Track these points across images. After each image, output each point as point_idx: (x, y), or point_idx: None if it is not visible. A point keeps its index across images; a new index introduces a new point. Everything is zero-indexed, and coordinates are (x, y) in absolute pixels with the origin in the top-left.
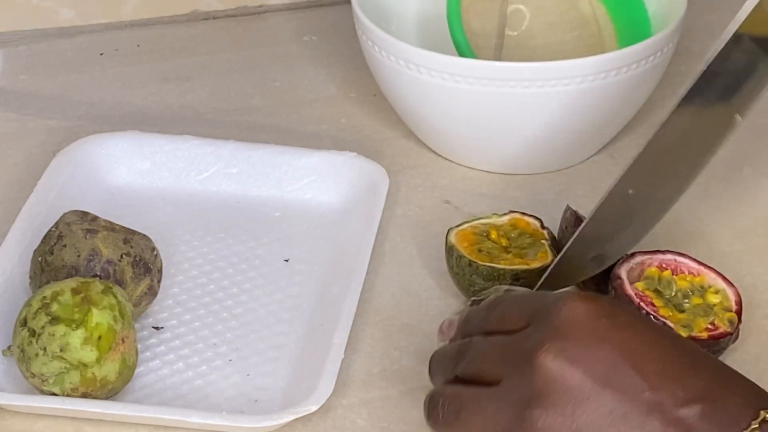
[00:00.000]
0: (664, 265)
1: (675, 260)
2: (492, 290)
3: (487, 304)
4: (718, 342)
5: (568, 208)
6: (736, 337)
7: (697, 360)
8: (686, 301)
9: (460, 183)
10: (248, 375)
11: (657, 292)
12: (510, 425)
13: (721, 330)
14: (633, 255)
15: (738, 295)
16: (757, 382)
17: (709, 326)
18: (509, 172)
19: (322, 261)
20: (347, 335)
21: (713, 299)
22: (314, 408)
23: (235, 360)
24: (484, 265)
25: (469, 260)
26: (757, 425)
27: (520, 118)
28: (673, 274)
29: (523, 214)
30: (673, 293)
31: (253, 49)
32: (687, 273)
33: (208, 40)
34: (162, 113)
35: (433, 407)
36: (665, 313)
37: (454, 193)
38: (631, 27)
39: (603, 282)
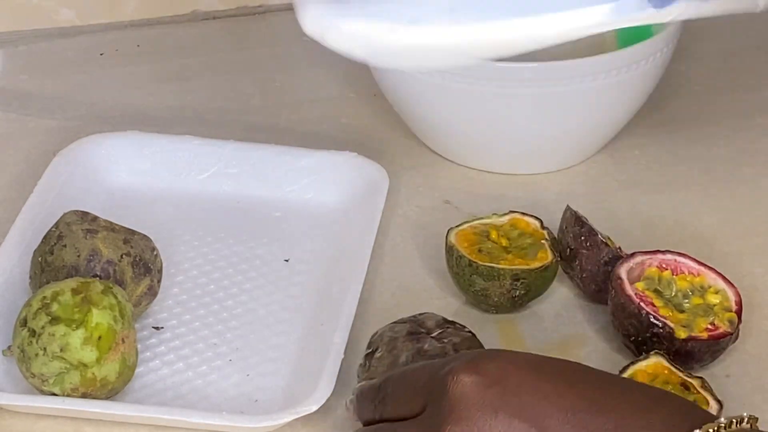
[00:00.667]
0: (664, 265)
1: (675, 260)
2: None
3: (377, 388)
4: (718, 342)
5: (568, 208)
6: (736, 337)
7: (604, 394)
8: (686, 301)
9: (460, 183)
10: (248, 375)
11: (657, 292)
12: None
13: (721, 330)
14: (633, 255)
15: (738, 295)
16: (757, 382)
17: (709, 326)
18: (509, 172)
19: (322, 261)
20: (347, 335)
21: (713, 299)
22: (314, 408)
23: (235, 360)
24: (484, 265)
25: (469, 260)
26: None
27: (520, 118)
28: (673, 274)
29: (523, 214)
30: (673, 293)
31: (253, 49)
32: (687, 273)
33: (208, 40)
34: (162, 113)
35: None
36: (665, 313)
37: (454, 193)
38: (631, 27)
39: (603, 282)
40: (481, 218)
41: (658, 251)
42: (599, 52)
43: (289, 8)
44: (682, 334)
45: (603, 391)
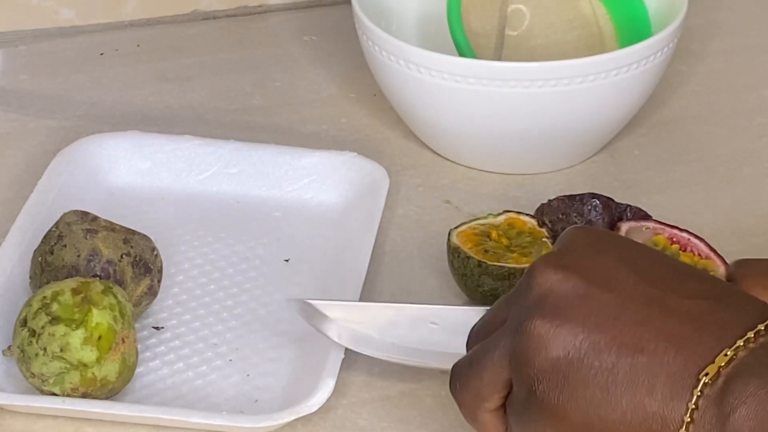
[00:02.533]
0: (674, 239)
1: (688, 239)
2: None
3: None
4: None
5: (550, 201)
6: None
7: (698, 272)
8: None
9: (460, 183)
10: (248, 375)
11: None
12: (513, 342)
13: None
14: (647, 218)
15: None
16: None
17: None
18: (509, 172)
19: (322, 261)
20: None
21: None
22: (314, 408)
23: (235, 360)
24: (494, 265)
25: (478, 261)
26: (763, 327)
27: (520, 118)
28: (680, 250)
29: (519, 213)
30: None
31: (253, 49)
32: (695, 254)
33: (208, 40)
34: (162, 113)
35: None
36: None
37: (454, 193)
38: (631, 27)
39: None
40: (478, 218)
41: (676, 227)
42: (599, 52)
43: (289, 8)
44: None
45: (699, 271)
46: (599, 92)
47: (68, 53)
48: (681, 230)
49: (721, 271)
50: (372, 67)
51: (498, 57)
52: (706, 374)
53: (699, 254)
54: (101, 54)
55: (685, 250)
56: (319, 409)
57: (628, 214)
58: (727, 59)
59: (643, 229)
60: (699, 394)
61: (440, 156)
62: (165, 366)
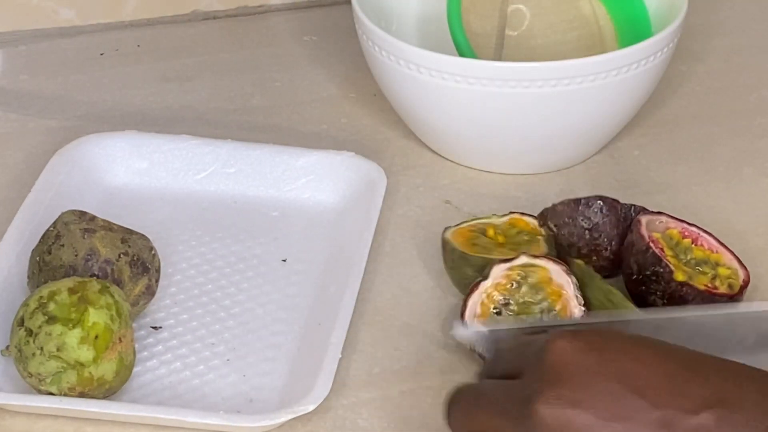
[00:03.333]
0: (686, 233)
1: (698, 233)
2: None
3: (493, 354)
4: (713, 298)
5: (554, 205)
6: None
7: (700, 365)
8: (698, 267)
9: (460, 183)
10: (245, 375)
11: (672, 250)
12: None
13: (719, 290)
14: (660, 213)
15: (747, 277)
16: None
17: (709, 285)
18: (509, 172)
19: (319, 260)
20: (344, 335)
21: (723, 272)
22: (311, 407)
23: (232, 360)
24: (476, 256)
25: (461, 252)
26: None
27: (520, 118)
28: (692, 243)
29: (523, 214)
30: (687, 258)
31: (253, 49)
32: (706, 248)
33: (208, 40)
34: (162, 113)
35: None
36: (671, 260)
37: (454, 193)
38: (631, 27)
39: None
40: (481, 218)
41: (685, 221)
42: (599, 52)
43: (289, 8)
44: (680, 276)
45: (701, 361)
46: (599, 92)
47: (68, 53)
48: (690, 224)
49: (733, 264)
50: (372, 67)
51: (498, 57)
52: None
53: (710, 248)
54: (101, 54)
55: (696, 244)
56: (319, 409)
57: (633, 214)
58: (727, 59)
59: (657, 222)
60: None
61: (440, 156)
62: (163, 365)
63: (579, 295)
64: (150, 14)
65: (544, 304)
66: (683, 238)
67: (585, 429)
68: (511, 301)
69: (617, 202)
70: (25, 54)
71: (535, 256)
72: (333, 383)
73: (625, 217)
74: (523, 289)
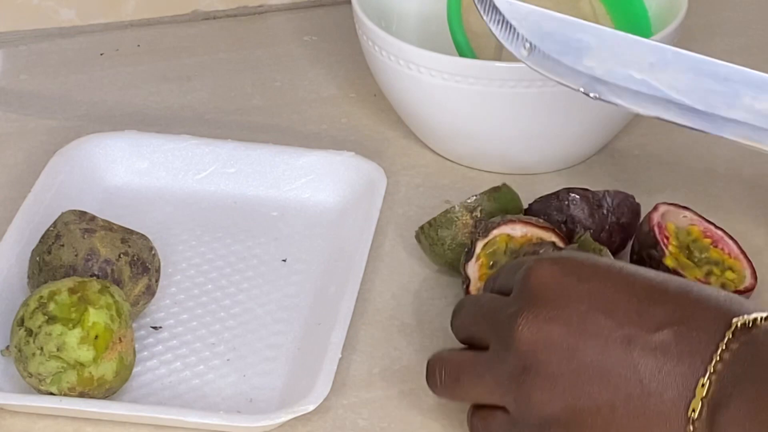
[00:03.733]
0: (708, 233)
1: (722, 237)
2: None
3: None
4: None
5: (530, 205)
6: None
7: (663, 287)
8: (707, 266)
9: (460, 183)
10: (245, 375)
11: (685, 247)
12: (507, 391)
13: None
14: (686, 208)
15: (752, 286)
16: None
17: (699, 279)
18: (509, 172)
19: (319, 260)
20: (344, 335)
21: (729, 275)
22: (311, 407)
23: (232, 359)
24: (440, 214)
25: (428, 221)
26: (731, 335)
27: (520, 118)
28: (712, 245)
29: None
30: (701, 256)
31: (253, 49)
32: (725, 252)
33: (209, 40)
34: (162, 113)
35: (431, 373)
36: (673, 249)
37: (454, 193)
38: (631, 27)
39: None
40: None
41: (713, 223)
42: None
43: (289, 8)
44: (669, 262)
45: (665, 284)
46: None
47: (68, 53)
48: (717, 227)
49: (745, 273)
50: (372, 67)
51: (498, 57)
52: (693, 410)
53: (729, 253)
54: (101, 54)
55: (716, 247)
56: (319, 409)
57: (608, 199)
58: (727, 59)
59: (681, 216)
60: (692, 429)
61: (440, 156)
62: (163, 365)
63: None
64: (150, 14)
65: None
66: (704, 238)
67: (558, 342)
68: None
69: (588, 191)
70: (25, 54)
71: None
72: (333, 383)
73: (599, 204)
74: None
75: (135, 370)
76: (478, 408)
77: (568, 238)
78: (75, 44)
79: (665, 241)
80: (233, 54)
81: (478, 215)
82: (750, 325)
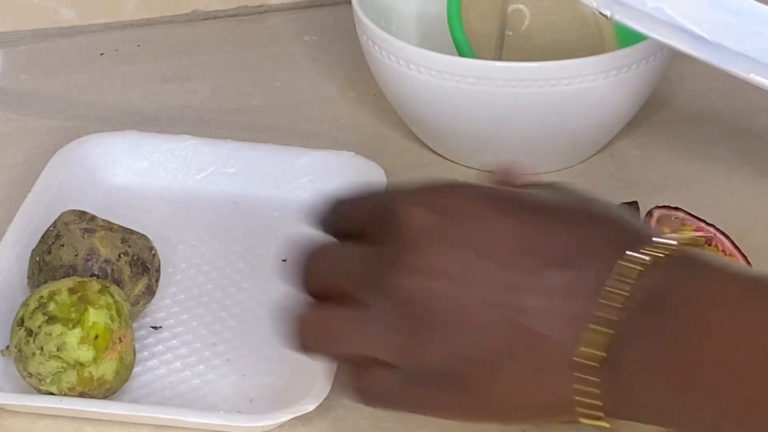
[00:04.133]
0: (701, 232)
1: (714, 234)
2: None
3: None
4: None
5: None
6: None
7: (546, 223)
8: None
9: None
10: (245, 375)
11: None
12: (390, 346)
13: None
14: (677, 209)
15: None
16: None
17: None
18: None
19: None
20: None
21: None
22: (311, 407)
23: (232, 359)
24: None
25: None
26: (623, 272)
27: (520, 118)
28: (706, 244)
29: None
30: None
31: (253, 49)
32: (720, 249)
33: (209, 40)
34: (162, 113)
35: (297, 335)
36: None
37: None
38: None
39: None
40: None
41: (704, 220)
42: (599, 52)
43: (289, 8)
44: None
45: (547, 217)
46: (599, 92)
47: (68, 53)
48: (708, 224)
49: None
50: (372, 67)
51: (498, 57)
52: (587, 354)
53: (723, 250)
54: (101, 54)
55: (710, 244)
56: (319, 408)
57: None
58: None
59: (672, 218)
60: (586, 374)
61: (440, 156)
62: (163, 365)
63: None
64: (150, 14)
65: None
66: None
67: (442, 292)
68: None
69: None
70: (25, 54)
71: None
72: (333, 383)
73: None
74: None
75: (135, 370)
76: (357, 368)
77: None
78: (75, 44)
79: None
80: (233, 54)
81: None
82: (647, 260)
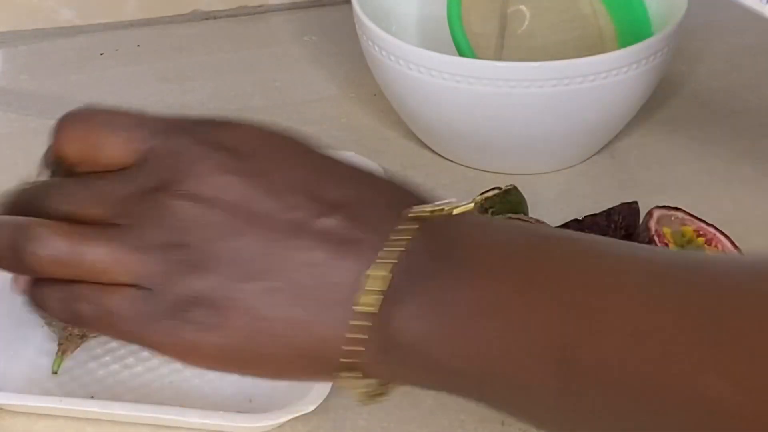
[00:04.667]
0: (701, 232)
1: (714, 234)
2: None
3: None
4: None
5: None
6: None
7: (335, 172)
8: None
9: (460, 183)
10: None
11: (680, 248)
12: (146, 265)
13: None
14: (677, 209)
15: None
16: None
17: None
18: (509, 172)
19: None
20: None
21: None
22: (311, 408)
23: None
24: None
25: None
26: (402, 226)
27: (520, 118)
28: (706, 243)
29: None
30: None
31: (253, 49)
32: (720, 249)
33: (209, 40)
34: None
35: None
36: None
37: (454, 193)
38: (631, 27)
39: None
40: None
41: (703, 220)
42: (599, 52)
43: (289, 8)
44: None
45: (336, 168)
46: (599, 92)
47: (68, 53)
48: (708, 224)
49: None
50: (372, 67)
51: (498, 57)
52: (362, 304)
53: (722, 249)
54: (101, 54)
55: (710, 244)
56: (319, 408)
57: (615, 216)
58: (727, 59)
59: (672, 218)
60: (361, 323)
61: (440, 156)
62: (163, 365)
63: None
64: (150, 14)
65: None
66: (697, 237)
67: (220, 222)
68: None
69: (596, 216)
70: (25, 54)
71: None
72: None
73: (608, 226)
74: None
75: (135, 370)
76: (102, 289)
77: None
78: (75, 44)
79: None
80: (233, 54)
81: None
82: (425, 217)
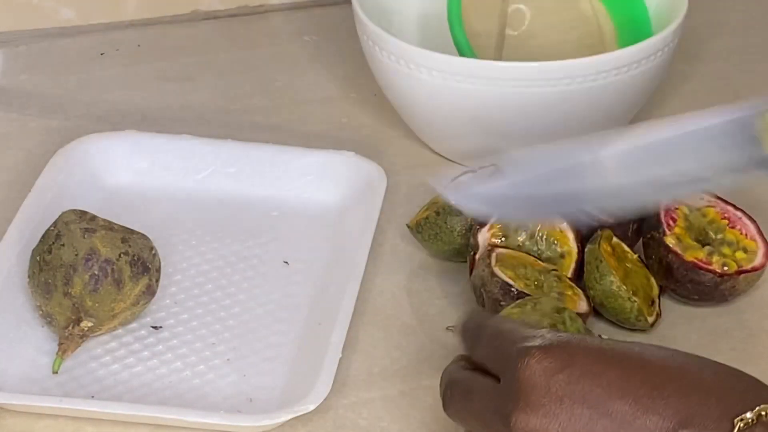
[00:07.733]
0: (725, 215)
1: (740, 218)
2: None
3: (474, 328)
4: (695, 271)
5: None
6: (720, 296)
7: (664, 382)
8: (721, 248)
9: None
10: (245, 374)
11: (699, 229)
12: None
13: (709, 267)
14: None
15: (761, 265)
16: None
17: (703, 260)
18: None
19: (319, 260)
20: (345, 334)
21: (740, 255)
22: (311, 407)
23: (232, 359)
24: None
25: (434, 212)
26: None
27: (520, 118)
28: (728, 226)
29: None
30: (716, 237)
31: (254, 49)
32: (742, 233)
33: (209, 40)
34: (162, 113)
35: None
36: (679, 231)
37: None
38: (631, 27)
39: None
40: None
41: (733, 204)
42: (599, 52)
43: (289, 8)
44: (670, 241)
45: (665, 375)
46: (599, 92)
47: (68, 53)
48: (737, 208)
49: (759, 253)
50: (372, 67)
51: (498, 57)
52: None
53: (746, 234)
54: (101, 54)
55: (733, 227)
56: (319, 408)
57: None
58: (727, 59)
59: (699, 199)
60: None
61: (440, 156)
62: (163, 365)
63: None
64: (150, 14)
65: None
66: (721, 219)
67: None
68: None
69: None
70: (25, 54)
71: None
72: (333, 383)
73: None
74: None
75: (135, 369)
76: None
77: (585, 236)
78: (75, 44)
79: (671, 223)
80: (233, 54)
81: None
82: (753, 422)
